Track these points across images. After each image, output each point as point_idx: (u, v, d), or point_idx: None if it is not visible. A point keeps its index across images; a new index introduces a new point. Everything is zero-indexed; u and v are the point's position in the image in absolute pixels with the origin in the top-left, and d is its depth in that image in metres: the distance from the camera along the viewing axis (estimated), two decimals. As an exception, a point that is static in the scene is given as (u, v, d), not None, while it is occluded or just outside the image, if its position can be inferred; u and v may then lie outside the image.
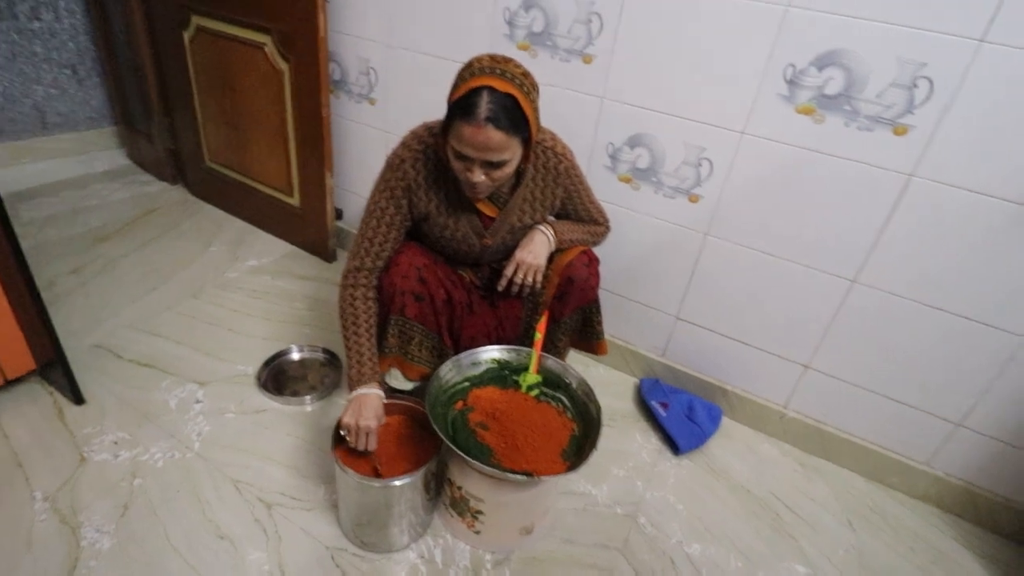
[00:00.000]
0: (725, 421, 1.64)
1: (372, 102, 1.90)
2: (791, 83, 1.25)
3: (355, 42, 1.83)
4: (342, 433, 1.10)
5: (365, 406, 1.09)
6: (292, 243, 2.23)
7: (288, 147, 1.99)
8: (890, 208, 1.25)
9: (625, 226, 1.58)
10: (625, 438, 1.54)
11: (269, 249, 2.19)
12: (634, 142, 1.48)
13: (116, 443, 1.31)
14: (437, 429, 1.05)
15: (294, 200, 2.11)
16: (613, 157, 1.53)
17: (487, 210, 1.21)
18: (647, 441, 1.54)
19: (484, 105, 0.96)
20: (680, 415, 1.56)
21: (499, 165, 1.03)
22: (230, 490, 1.24)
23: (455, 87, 1.03)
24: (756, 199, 1.39)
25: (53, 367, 1.36)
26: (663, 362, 1.72)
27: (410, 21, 1.69)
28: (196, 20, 1.99)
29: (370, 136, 1.96)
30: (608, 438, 1.52)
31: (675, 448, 1.50)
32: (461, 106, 0.98)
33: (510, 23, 1.51)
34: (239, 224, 2.33)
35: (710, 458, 1.51)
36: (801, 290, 1.43)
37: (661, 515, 1.33)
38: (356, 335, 1.16)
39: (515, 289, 1.24)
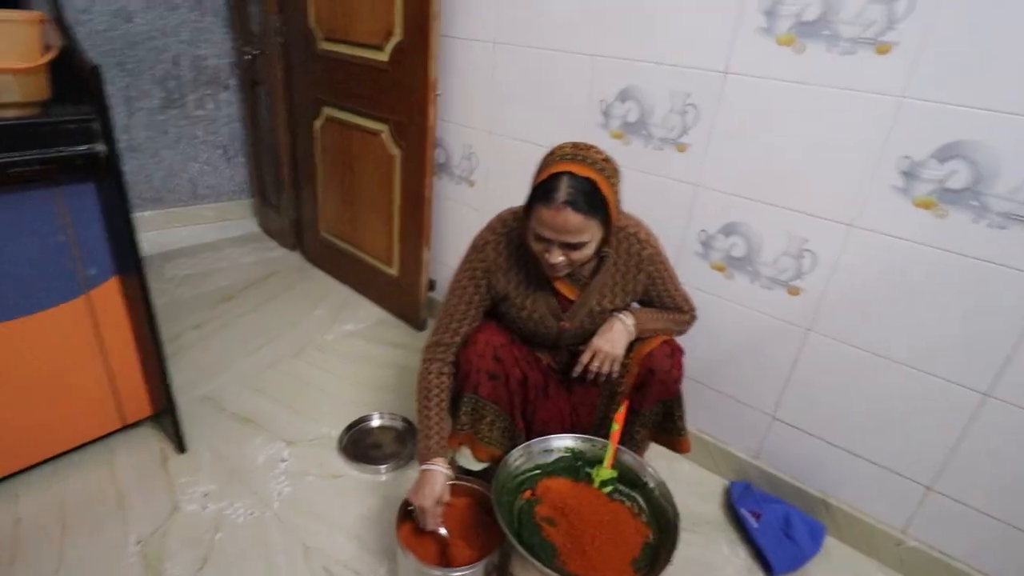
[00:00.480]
0: (828, 541, 1.44)
1: (471, 184, 2.01)
2: (907, 175, 1.16)
3: (460, 130, 1.97)
4: (409, 509, 1.09)
5: (425, 483, 1.09)
6: (387, 310, 2.35)
7: (392, 222, 2.14)
8: (1031, 315, 1.09)
9: (717, 315, 1.51)
10: (709, 549, 1.39)
11: (366, 315, 2.32)
12: (729, 230, 1.43)
13: (206, 495, 1.39)
14: (501, 522, 1.01)
15: (393, 270, 2.24)
16: (705, 244, 1.49)
17: (567, 291, 1.21)
18: (735, 555, 1.38)
19: (563, 189, 0.99)
20: (775, 528, 1.39)
21: (578, 247, 1.04)
22: (299, 555, 1.26)
23: (537, 173, 1.07)
24: (867, 296, 1.27)
25: (165, 416, 1.49)
26: (757, 465, 1.56)
27: (511, 111, 1.79)
28: (327, 111, 2.25)
29: (467, 215, 2.06)
30: (689, 546, 1.39)
31: (768, 568, 1.33)
32: (541, 190, 1.01)
33: (605, 113, 1.56)
34: (344, 290, 2.51)
35: (810, 585, 1.33)
36: (922, 399, 1.26)
37: (748, 647, 1.17)
38: (427, 409, 1.18)
39: (590, 376, 1.21)
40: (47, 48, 1.10)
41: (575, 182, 0.99)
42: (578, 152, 1.03)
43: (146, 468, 1.45)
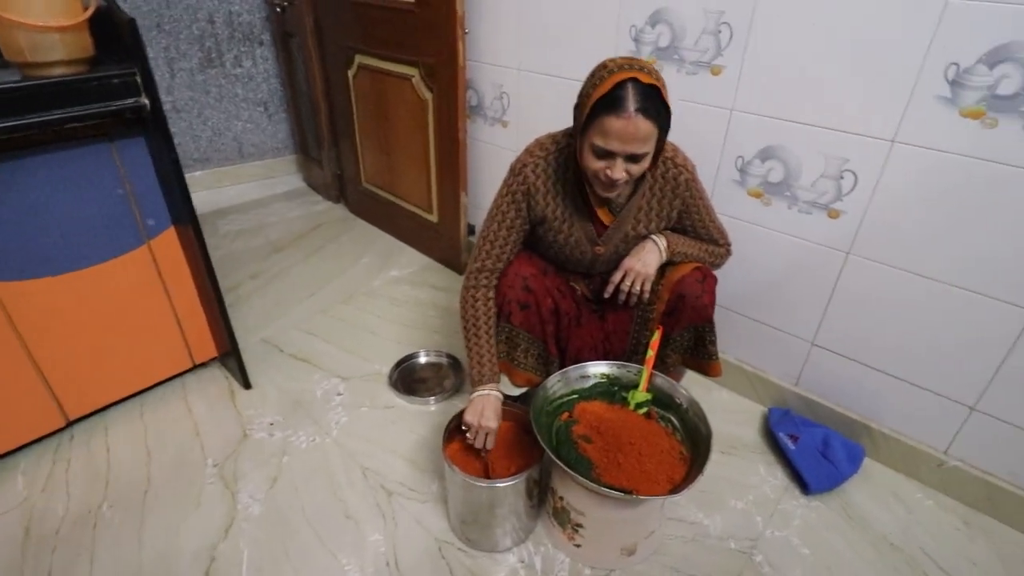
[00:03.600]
0: (867, 462, 1.45)
1: (504, 124, 2.00)
2: (954, 84, 1.10)
3: (490, 69, 1.95)
4: (464, 429, 1.17)
5: (488, 407, 1.15)
6: (430, 256, 2.41)
7: (429, 169, 2.18)
8: (1087, 225, 1.05)
9: (755, 243, 1.49)
10: (746, 469, 1.44)
11: (411, 261, 2.39)
12: (766, 155, 1.40)
13: (272, 424, 1.52)
14: (540, 438, 1.08)
15: (433, 217, 2.29)
16: (742, 171, 1.46)
17: (603, 216, 1.22)
18: (771, 475, 1.42)
19: (633, 97, 0.96)
20: (812, 450, 1.42)
21: (640, 158, 1.03)
22: (358, 475, 1.38)
23: (594, 86, 1.02)
24: (909, 215, 1.24)
25: (229, 356, 1.62)
26: (796, 391, 1.58)
27: (539, 45, 1.77)
28: (359, 59, 2.27)
29: (503, 157, 2.07)
30: (726, 466, 1.44)
31: (804, 487, 1.37)
32: (607, 100, 0.98)
33: (636, 40, 1.52)
34: (388, 239, 2.59)
35: (846, 502, 1.35)
36: (965, 319, 1.24)
37: (782, 557, 1.22)
38: (476, 336, 1.22)
39: (622, 298, 1.23)
40: (86, 7, 1.16)
41: (643, 88, 0.97)
42: (633, 62, 1.00)
43: (217, 402, 1.59)
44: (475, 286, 1.24)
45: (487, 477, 1.17)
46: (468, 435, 1.16)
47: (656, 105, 0.99)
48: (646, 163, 1.05)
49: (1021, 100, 1.04)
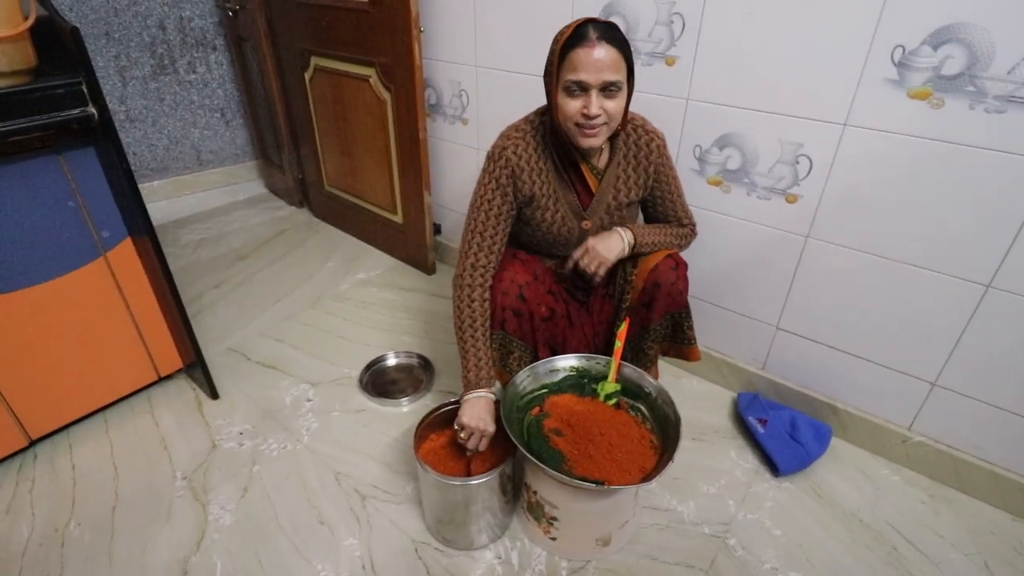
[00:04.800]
0: (835, 442, 1.49)
1: (465, 122, 1.99)
2: (901, 65, 1.13)
3: (447, 67, 1.94)
4: (456, 428, 1.16)
5: (485, 409, 1.14)
6: (397, 257, 2.39)
7: (391, 169, 2.15)
8: (1029, 199, 1.08)
9: (717, 231, 1.51)
10: (717, 454, 1.46)
11: (377, 263, 2.37)
12: (723, 142, 1.42)
13: (241, 433, 1.49)
14: (510, 433, 1.08)
15: (397, 217, 2.27)
16: (701, 160, 1.48)
17: (589, 180, 1.23)
18: (742, 459, 1.44)
19: (595, 29, 1.04)
20: (781, 433, 1.44)
21: (614, 92, 1.07)
22: (331, 481, 1.36)
23: (559, 36, 1.08)
24: (863, 197, 1.27)
25: (195, 367, 1.58)
26: (763, 375, 1.60)
27: (495, 41, 1.76)
28: (315, 61, 2.23)
29: (464, 155, 2.06)
30: (698, 453, 1.45)
31: (774, 469, 1.39)
32: (573, 37, 1.04)
33: (592, 34, 1.52)
34: (353, 241, 2.55)
35: (816, 482, 1.38)
36: (923, 297, 1.27)
37: (754, 538, 1.24)
38: (474, 337, 1.20)
39: (579, 271, 1.24)
40: (27, 17, 1.11)
41: (603, 24, 1.05)
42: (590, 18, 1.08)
43: (184, 414, 1.55)
44: (470, 285, 1.21)
45: (460, 475, 1.17)
46: (462, 435, 1.15)
47: (618, 35, 1.06)
48: (621, 102, 1.09)
49: (965, 80, 1.07)
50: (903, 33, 1.11)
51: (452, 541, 1.20)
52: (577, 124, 1.10)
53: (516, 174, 1.19)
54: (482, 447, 1.16)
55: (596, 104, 1.06)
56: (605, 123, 1.10)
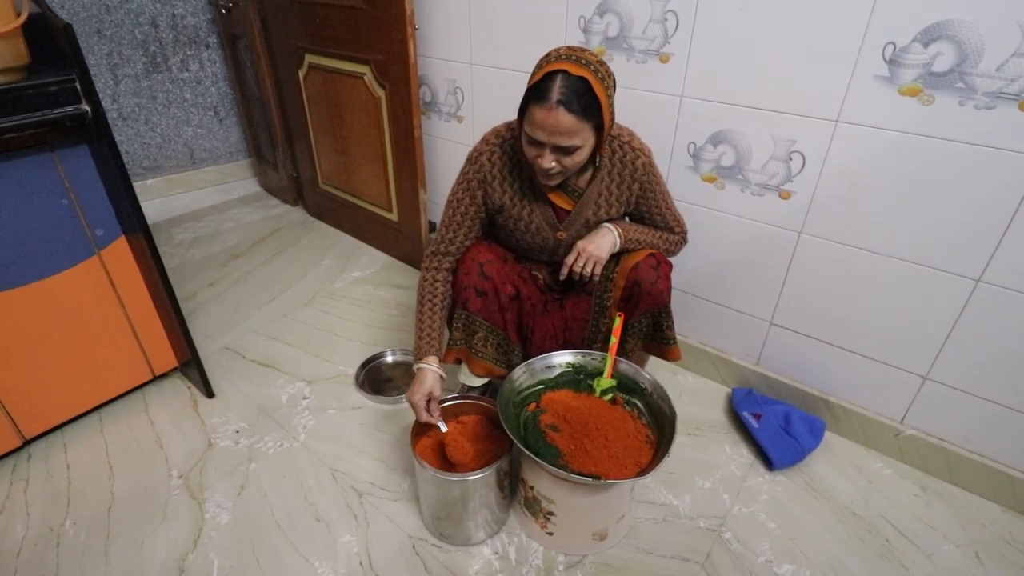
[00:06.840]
0: (828, 436, 1.50)
1: (460, 120, 2.00)
2: (892, 62, 1.14)
3: (442, 65, 1.94)
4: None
5: (416, 380, 1.18)
6: (392, 255, 2.39)
7: (387, 167, 2.15)
8: (1020, 195, 1.09)
9: (711, 227, 1.52)
10: (712, 449, 1.47)
11: (372, 261, 2.37)
12: (717, 139, 1.43)
13: (237, 432, 1.49)
14: (507, 428, 1.08)
15: (393, 215, 2.26)
16: (695, 157, 1.49)
17: (562, 203, 1.23)
18: (737, 453, 1.46)
19: (556, 89, 0.98)
20: (775, 427, 1.45)
21: (570, 151, 1.04)
22: (328, 478, 1.36)
23: (532, 75, 1.05)
24: (856, 192, 1.28)
25: (190, 366, 1.57)
26: (757, 371, 1.62)
27: (490, 39, 1.76)
28: (309, 58, 2.22)
29: (460, 152, 2.06)
30: (693, 448, 1.46)
31: (769, 463, 1.41)
32: (535, 91, 1.01)
33: (585, 31, 1.53)
34: (348, 239, 2.55)
35: (810, 475, 1.40)
36: (914, 291, 1.29)
37: (749, 532, 1.25)
38: (421, 313, 1.25)
39: (575, 277, 1.24)
40: (19, 13, 1.10)
41: (569, 82, 0.98)
42: (572, 53, 1.02)
43: (179, 413, 1.55)
44: (431, 267, 1.27)
45: (457, 470, 1.17)
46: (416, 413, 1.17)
47: (582, 99, 0.99)
48: (579, 157, 1.06)
49: (955, 76, 1.08)
50: (894, 30, 1.12)
51: (449, 537, 1.20)
52: (533, 166, 1.11)
53: (488, 181, 1.21)
54: (421, 418, 1.17)
55: (548, 160, 1.06)
56: (560, 172, 1.09)
